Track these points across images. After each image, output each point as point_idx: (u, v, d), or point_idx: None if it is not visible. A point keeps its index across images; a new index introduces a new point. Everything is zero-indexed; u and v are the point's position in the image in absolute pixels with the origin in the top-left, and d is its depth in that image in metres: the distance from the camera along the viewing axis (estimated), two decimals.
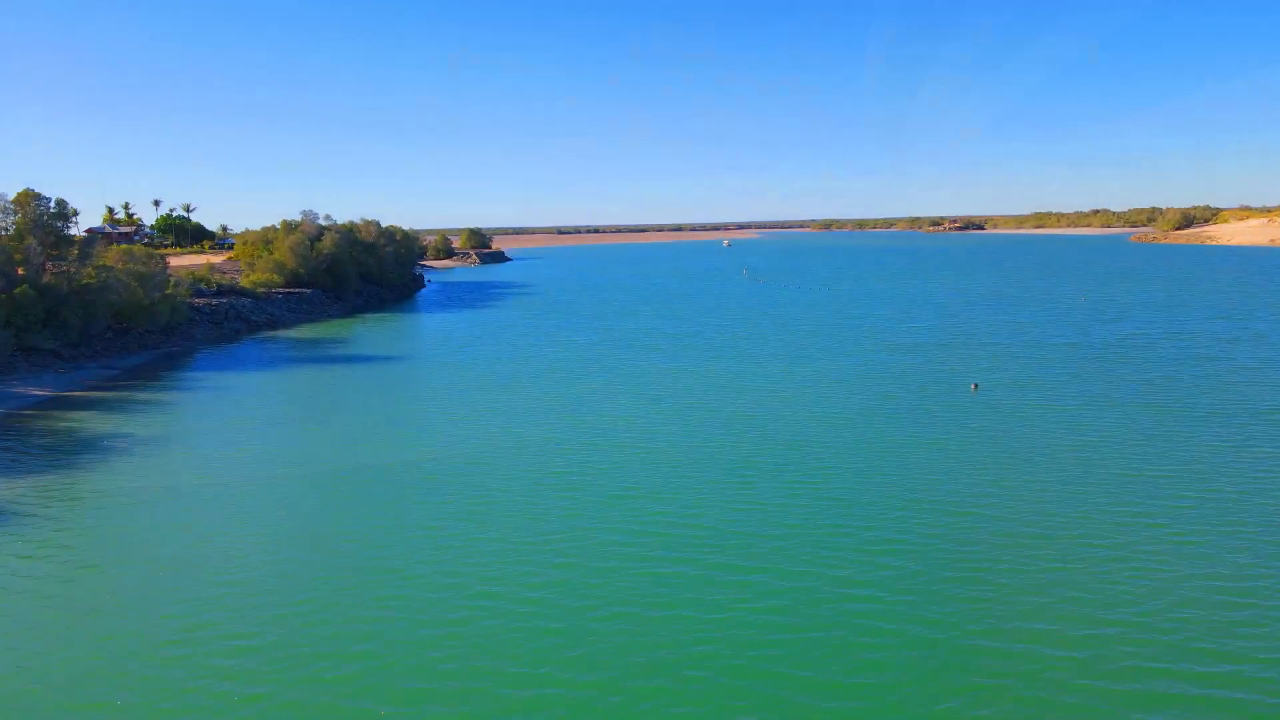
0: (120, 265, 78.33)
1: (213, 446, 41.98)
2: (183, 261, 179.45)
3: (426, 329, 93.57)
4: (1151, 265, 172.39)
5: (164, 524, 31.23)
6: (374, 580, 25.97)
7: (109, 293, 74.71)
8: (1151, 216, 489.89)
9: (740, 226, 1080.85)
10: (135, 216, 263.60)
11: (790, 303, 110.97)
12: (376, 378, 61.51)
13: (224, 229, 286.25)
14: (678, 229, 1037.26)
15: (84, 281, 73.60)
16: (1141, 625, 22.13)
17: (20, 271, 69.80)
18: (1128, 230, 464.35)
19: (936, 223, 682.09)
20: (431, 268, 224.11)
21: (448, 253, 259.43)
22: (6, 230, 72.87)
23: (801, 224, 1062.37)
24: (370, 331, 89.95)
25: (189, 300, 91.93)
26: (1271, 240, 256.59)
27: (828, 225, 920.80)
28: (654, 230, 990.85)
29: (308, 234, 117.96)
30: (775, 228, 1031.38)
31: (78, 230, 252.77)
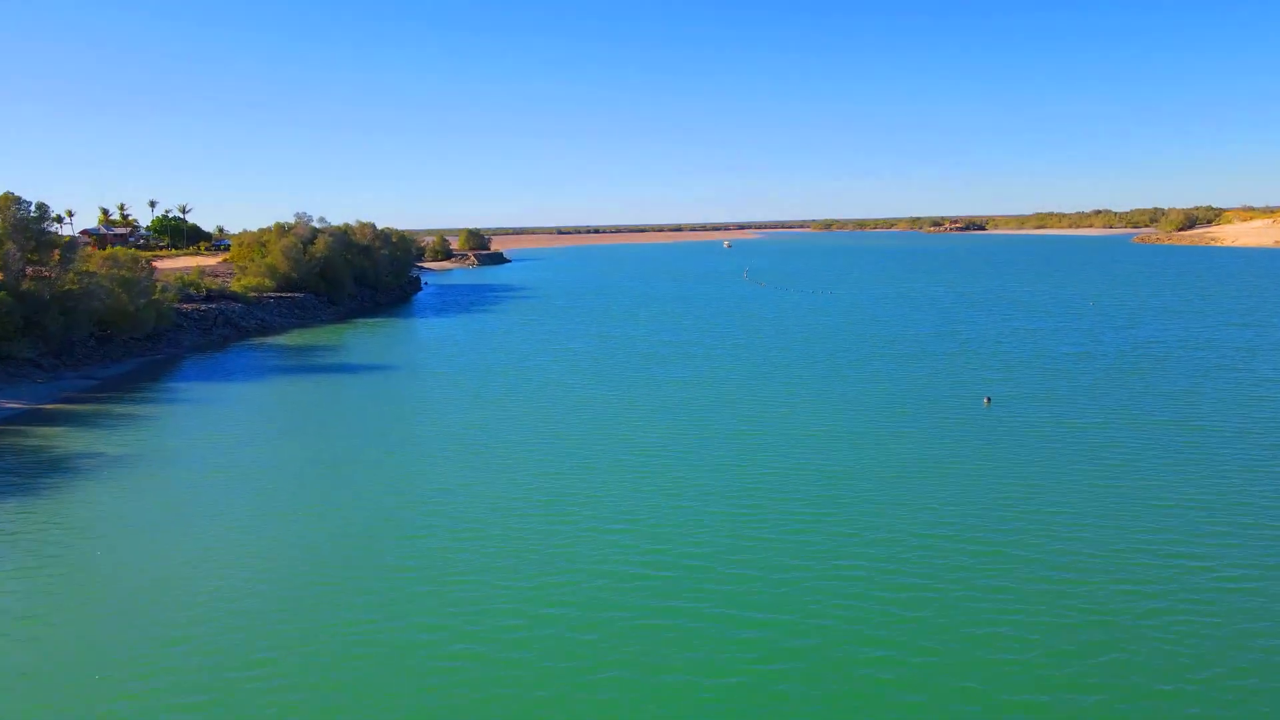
0: (104, 271, 76.10)
1: (183, 468, 39.72)
2: (176, 264, 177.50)
3: (420, 336, 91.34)
4: (1157, 268, 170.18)
5: (120, 560, 29.00)
6: (356, 618, 23.75)
7: (91, 299, 72.47)
8: (1154, 217, 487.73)
9: (740, 227, 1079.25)
10: (131, 218, 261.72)
11: (792, 307, 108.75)
12: (364, 390, 59.27)
13: (220, 230, 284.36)
14: (677, 229, 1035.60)
15: (65, 288, 71.38)
16: (1198, 697, 19.85)
17: None
18: (1130, 231, 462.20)
19: (937, 223, 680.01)
20: (429, 269, 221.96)
21: (446, 254, 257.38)
22: None
23: (802, 224, 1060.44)
24: (362, 338, 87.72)
25: (177, 306, 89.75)
26: (1276, 242, 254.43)
27: (828, 225, 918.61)
28: (654, 230, 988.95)
29: (301, 237, 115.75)
30: (775, 228, 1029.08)
31: (73, 231, 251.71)
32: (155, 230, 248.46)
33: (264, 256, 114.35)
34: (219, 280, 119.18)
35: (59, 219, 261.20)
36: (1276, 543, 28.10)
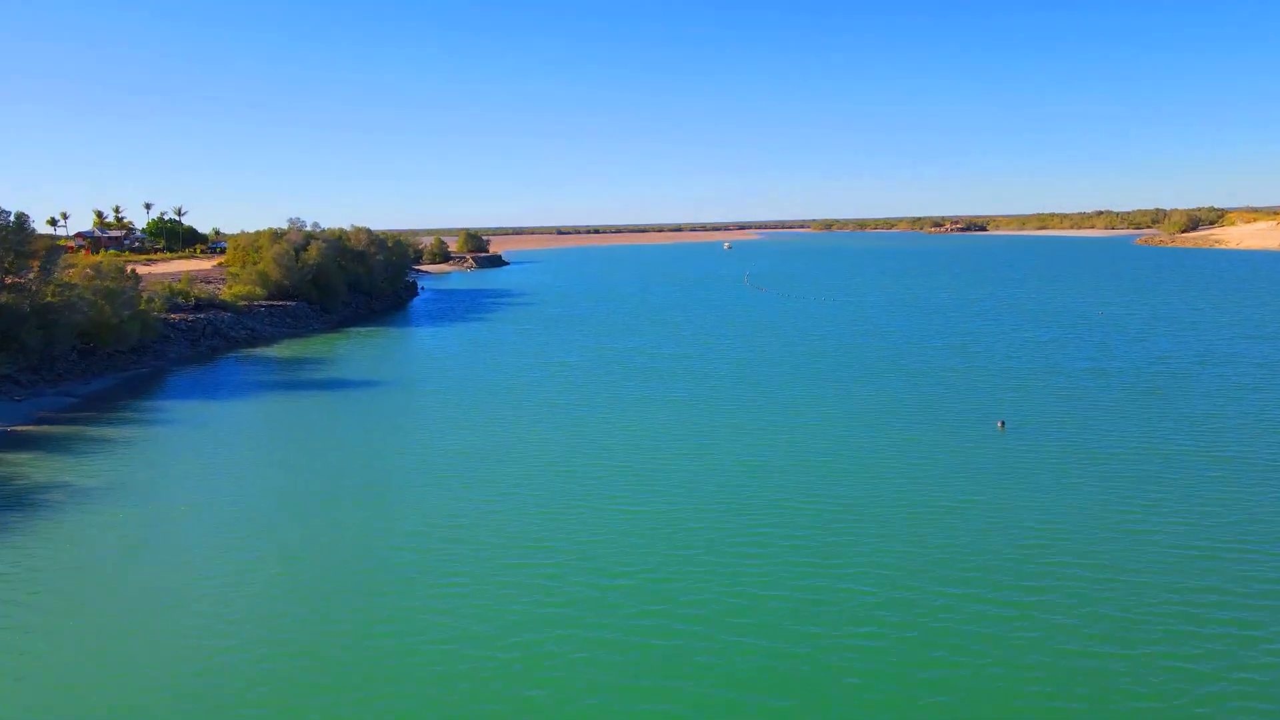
0: (86, 282, 73.86)
1: (153, 503, 37.45)
2: (170, 268, 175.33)
3: (413, 347, 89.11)
4: (1163, 272, 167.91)
5: (79, 608, 26.77)
6: (338, 669, 21.52)
7: (72, 312, 70.21)
8: (1156, 218, 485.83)
9: (740, 227, 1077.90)
10: (126, 220, 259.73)
11: (794, 315, 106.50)
12: (352, 409, 57.02)
13: (216, 232, 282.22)
14: (678, 229, 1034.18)
15: (45, 300, 69.15)
16: None
17: None
18: (1132, 232, 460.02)
19: (938, 224, 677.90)
20: (427, 273, 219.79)
21: (444, 257, 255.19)
22: None
23: (802, 224, 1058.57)
24: (353, 350, 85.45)
25: (164, 316, 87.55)
26: None
27: (828, 226, 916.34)
28: (654, 230, 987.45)
29: (293, 243, 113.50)
30: (776, 228, 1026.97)
31: (67, 233, 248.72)
32: (150, 233, 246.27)
33: (256, 264, 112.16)
34: (210, 288, 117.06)
35: (53, 221, 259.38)
36: None
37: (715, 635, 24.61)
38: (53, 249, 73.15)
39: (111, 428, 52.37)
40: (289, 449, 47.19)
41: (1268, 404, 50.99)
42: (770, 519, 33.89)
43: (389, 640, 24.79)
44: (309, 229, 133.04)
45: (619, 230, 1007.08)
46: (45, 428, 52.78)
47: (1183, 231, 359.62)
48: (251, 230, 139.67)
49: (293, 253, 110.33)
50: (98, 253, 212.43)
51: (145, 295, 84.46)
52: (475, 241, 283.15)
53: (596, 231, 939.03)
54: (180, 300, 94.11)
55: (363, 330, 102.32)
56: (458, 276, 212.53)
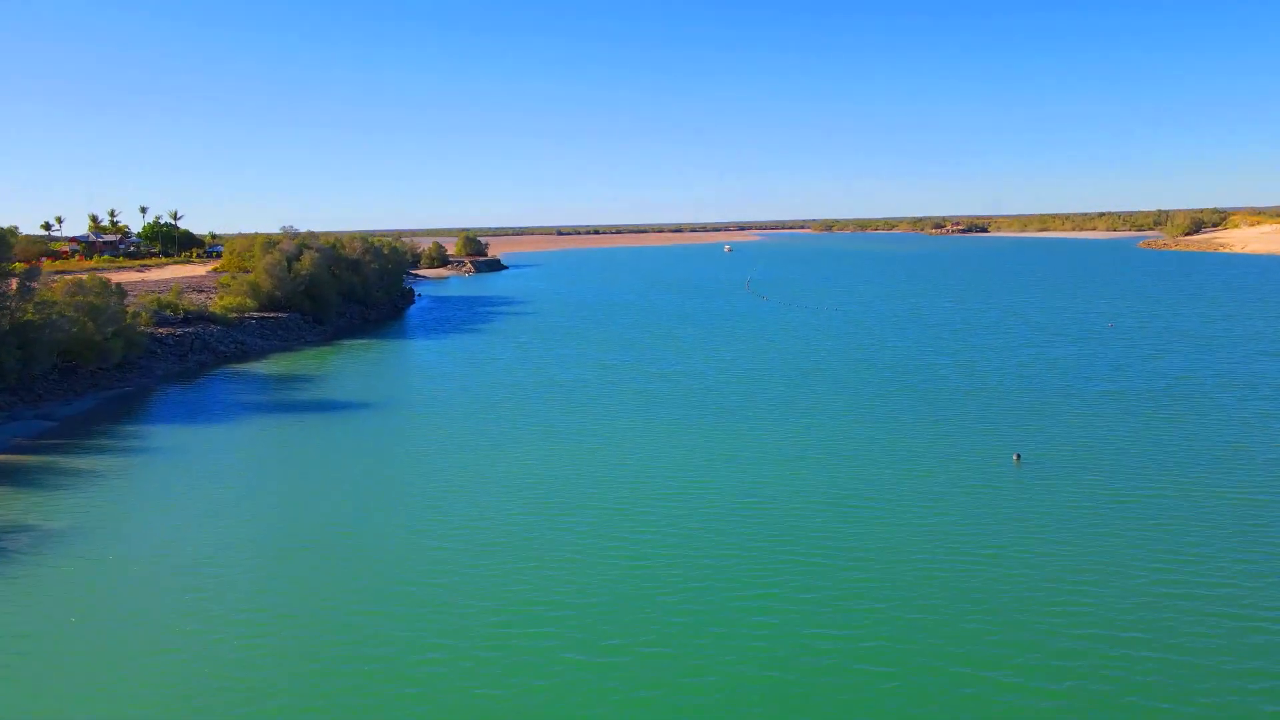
0: (67, 299, 71.62)
1: (120, 550, 35.20)
2: (164, 274, 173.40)
3: (406, 363, 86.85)
4: (1170, 278, 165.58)
5: (20, 677, 24.50)
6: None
7: (53, 330, 68.03)
8: (1158, 220, 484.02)
9: (741, 227, 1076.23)
10: (121, 224, 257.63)
11: (797, 328, 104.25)
12: (337, 438, 54.75)
13: (213, 236, 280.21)
14: (678, 229, 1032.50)
15: (24, 319, 66.92)
16: None
17: None
18: (1134, 234, 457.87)
19: (939, 225, 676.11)
20: (425, 278, 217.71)
21: (442, 261, 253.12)
22: None
23: (802, 224, 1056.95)
24: (344, 367, 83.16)
25: (150, 330, 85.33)
26: None
27: (829, 226, 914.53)
28: (654, 231, 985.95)
29: (286, 252, 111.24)
30: (776, 228, 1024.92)
31: (62, 237, 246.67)
32: (146, 237, 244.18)
33: (249, 273, 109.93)
34: (202, 297, 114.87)
35: (47, 226, 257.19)
36: None
37: (717, 692, 22.36)
38: (31, 269, 70.85)
39: (86, 457, 50.07)
40: (269, 483, 44.91)
41: None
42: (770, 567, 31.60)
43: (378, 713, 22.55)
44: (304, 234, 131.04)
45: (619, 231, 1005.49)
46: (17, 457, 50.48)
47: (1186, 234, 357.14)
48: (250, 231, 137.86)
49: (285, 263, 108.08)
50: (91, 258, 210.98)
51: (131, 310, 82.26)
52: (473, 245, 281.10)
53: (596, 232, 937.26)
54: (168, 313, 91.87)
55: (356, 343, 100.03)
56: (456, 282, 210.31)
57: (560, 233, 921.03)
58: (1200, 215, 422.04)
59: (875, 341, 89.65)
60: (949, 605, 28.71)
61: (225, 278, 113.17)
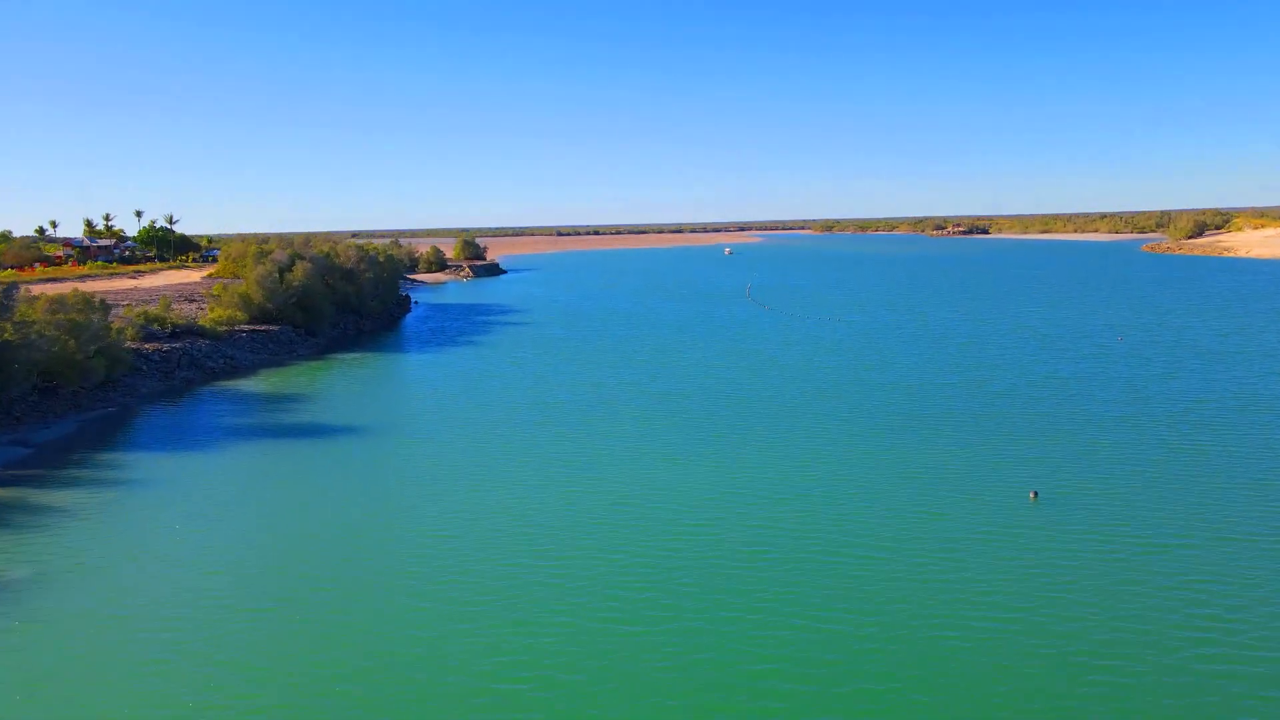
0: (47, 317, 69.41)
1: (85, 603, 32.96)
2: (157, 280, 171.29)
3: (398, 381, 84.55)
4: (1177, 285, 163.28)
5: None
6: None
7: (31, 350, 65.83)
8: (1161, 221, 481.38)
9: (741, 227, 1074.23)
10: (116, 229, 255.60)
11: (799, 342, 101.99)
12: (325, 463, 52.51)
13: (209, 240, 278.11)
14: (678, 230, 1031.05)
15: (1, 338, 64.68)
16: None
17: None
18: (1137, 236, 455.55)
19: (940, 226, 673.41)
20: (422, 283, 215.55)
21: (440, 265, 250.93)
22: None
23: (803, 224, 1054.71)
24: (333, 385, 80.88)
25: (136, 346, 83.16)
26: None
27: (829, 227, 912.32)
28: (654, 232, 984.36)
29: (278, 263, 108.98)
30: (776, 229, 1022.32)
31: (57, 239, 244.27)
32: (142, 241, 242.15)
33: (241, 281, 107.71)
34: (193, 307, 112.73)
35: (41, 230, 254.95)
36: None
37: None
38: (9, 286, 68.61)
39: (58, 491, 47.82)
40: (249, 521, 42.64)
41: None
42: (769, 621, 29.34)
43: None
44: (299, 238, 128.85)
45: (618, 231, 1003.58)
46: None
47: (1189, 237, 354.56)
48: (249, 231, 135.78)
49: (277, 274, 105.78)
50: (85, 263, 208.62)
51: (116, 326, 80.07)
52: (472, 249, 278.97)
53: (596, 233, 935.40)
54: (155, 327, 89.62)
55: (349, 357, 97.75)
56: (454, 288, 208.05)
57: (560, 233, 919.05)
58: (1203, 217, 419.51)
59: (880, 359, 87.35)
60: (970, 668, 26.47)
61: (217, 287, 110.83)
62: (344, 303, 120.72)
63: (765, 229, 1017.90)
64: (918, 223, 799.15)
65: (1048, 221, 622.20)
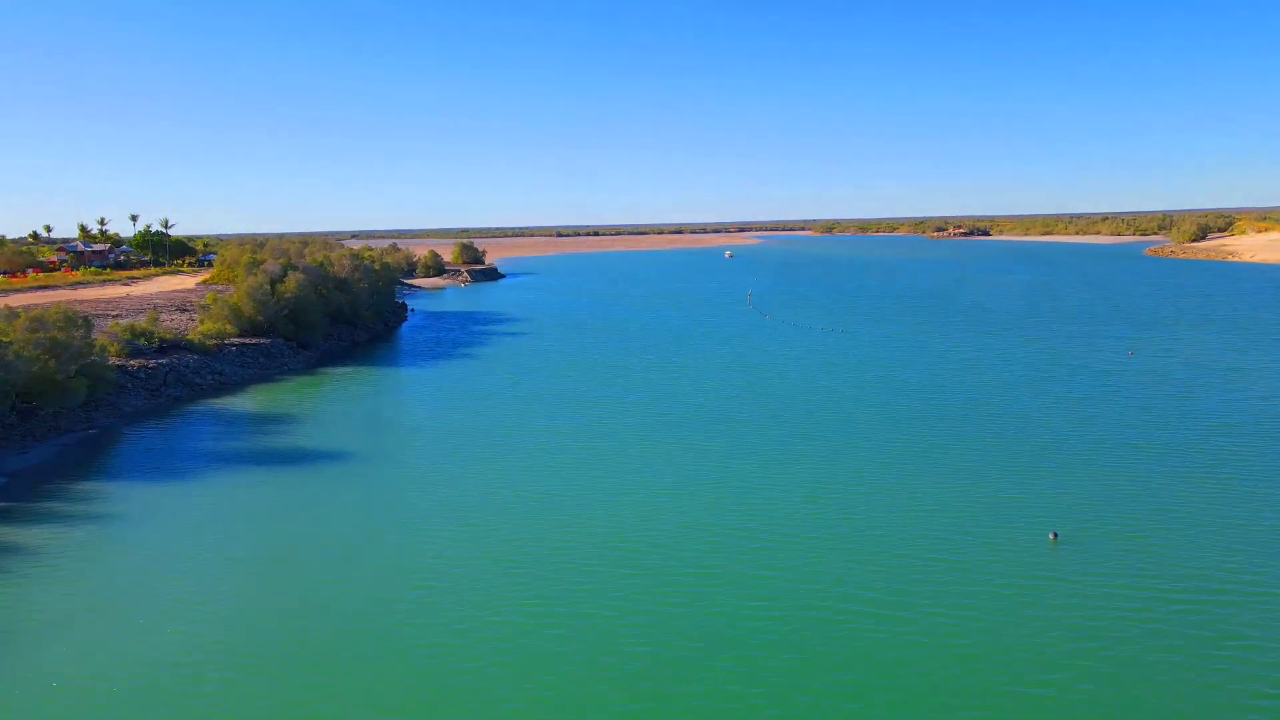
0: (26, 336, 67.16)
1: (53, 661, 30.72)
2: (151, 287, 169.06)
3: (390, 399, 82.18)
4: (1184, 294, 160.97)
5: None
6: None
7: (8, 371, 63.62)
8: (1163, 223, 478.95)
9: (741, 228, 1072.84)
10: (111, 233, 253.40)
11: (802, 355, 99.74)
12: (312, 490, 50.25)
13: (204, 244, 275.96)
14: (678, 231, 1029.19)
15: None
16: None
17: None
18: (1139, 239, 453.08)
19: (941, 227, 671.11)
20: (420, 288, 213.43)
21: (438, 270, 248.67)
22: None
23: (803, 225, 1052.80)
24: (324, 402, 78.61)
25: (121, 363, 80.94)
26: None
27: (830, 228, 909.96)
28: (654, 233, 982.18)
29: (269, 273, 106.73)
30: (776, 229, 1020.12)
31: (51, 241, 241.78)
32: (137, 245, 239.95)
33: (230, 298, 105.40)
34: (185, 317, 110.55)
35: (35, 235, 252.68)
36: None
37: None
38: None
39: (28, 530, 45.56)
40: (231, 563, 40.38)
41: None
42: (782, 670, 27.11)
43: None
44: (294, 243, 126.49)
45: (618, 232, 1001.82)
46: None
47: (1192, 240, 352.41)
48: (247, 232, 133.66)
49: (268, 285, 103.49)
50: (79, 268, 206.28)
51: (99, 342, 77.85)
52: (470, 253, 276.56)
53: (596, 234, 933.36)
54: (141, 342, 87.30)
55: (341, 371, 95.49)
56: (452, 293, 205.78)
57: (559, 234, 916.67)
58: (1205, 219, 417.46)
59: (885, 375, 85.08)
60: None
61: (209, 296, 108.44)
62: (338, 313, 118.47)
63: (765, 230, 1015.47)
64: (918, 224, 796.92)
65: (1049, 223, 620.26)
